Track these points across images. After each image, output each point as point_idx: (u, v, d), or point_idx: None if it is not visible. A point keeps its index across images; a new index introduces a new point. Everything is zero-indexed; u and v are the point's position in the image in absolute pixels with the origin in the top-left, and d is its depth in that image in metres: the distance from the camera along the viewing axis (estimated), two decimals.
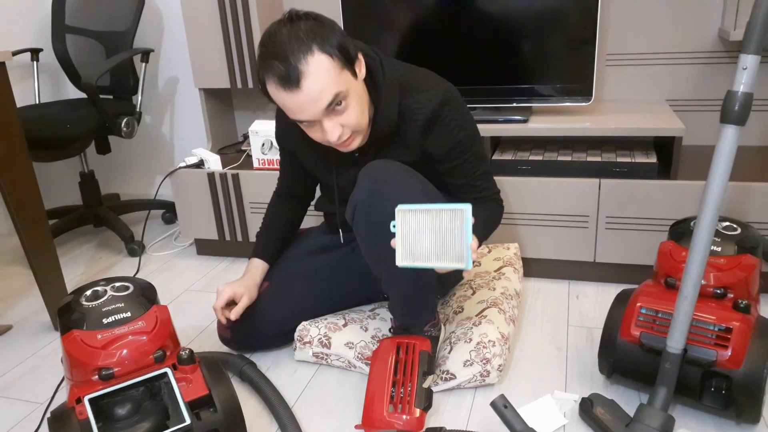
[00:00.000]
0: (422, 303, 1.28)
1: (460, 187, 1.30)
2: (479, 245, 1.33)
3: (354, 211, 1.16)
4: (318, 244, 1.49)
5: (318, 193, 1.54)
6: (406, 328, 1.31)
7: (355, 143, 1.18)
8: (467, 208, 0.98)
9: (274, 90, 1.07)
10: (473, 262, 1.01)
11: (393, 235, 1.04)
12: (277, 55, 1.04)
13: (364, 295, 1.51)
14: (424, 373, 1.21)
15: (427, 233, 1.01)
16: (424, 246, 1.01)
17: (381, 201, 1.11)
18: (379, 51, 1.24)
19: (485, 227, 1.28)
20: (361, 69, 1.14)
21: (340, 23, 1.87)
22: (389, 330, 1.36)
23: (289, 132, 1.36)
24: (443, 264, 1.01)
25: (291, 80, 1.03)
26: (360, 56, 1.14)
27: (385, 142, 1.25)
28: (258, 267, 1.44)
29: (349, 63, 1.09)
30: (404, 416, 1.13)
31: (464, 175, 1.28)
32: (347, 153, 1.28)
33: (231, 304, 1.38)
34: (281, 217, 1.51)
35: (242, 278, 1.41)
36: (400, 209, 1.02)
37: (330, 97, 1.06)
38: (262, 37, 1.07)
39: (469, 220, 0.98)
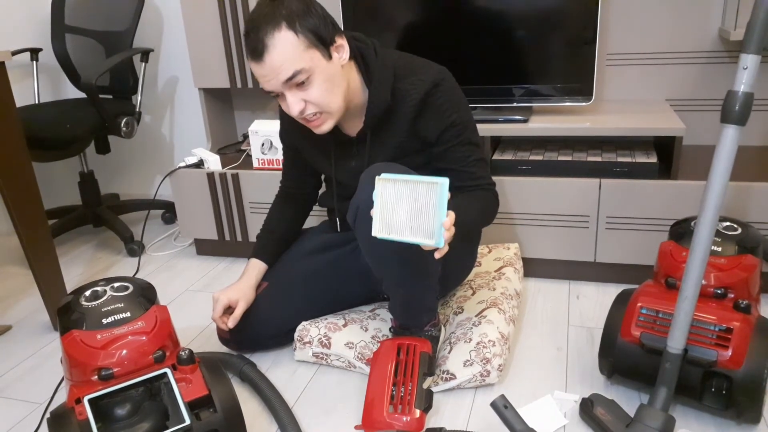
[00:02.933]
0: (423, 304, 1.28)
1: (454, 174, 1.27)
2: (471, 232, 1.35)
3: (356, 213, 1.16)
4: (318, 244, 1.49)
5: (323, 188, 1.54)
6: (407, 328, 1.31)
7: (326, 125, 1.20)
8: (444, 182, 0.96)
9: (249, 62, 1.14)
10: (446, 241, 0.97)
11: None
12: (251, 28, 1.11)
13: (364, 295, 1.50)
14: (424, 374, 1.21)
15: (403, 205, 0.99)
16: (400, 218, 0.99)
17: None
18: (375, 41, 1.27)
19: (479, 216, 1.27)
20: (342, 53, 1.18)
21: (340, 22, 1.87)
22: (389, 330, 1.36)
23: (292, 127, 1.37)
24: (416, 239, 0.98)
25: (256, 52, 1.11)
26: (341, 41, 1.17)
27: (381, 127, 1.26)
28: (255, 268, 1.44)
29: (321, 44, 1.13)
30: (404, 417, 1.13)
31: (458, 160, 1.27)
32: (346, 145, 1.30)
33: (229, 309, 1.38)
34: (282, 218, 1.51)
35: (238, 282, 1.41)
36: (380, 178, 1.01)
37: (289, 72, 1.11)
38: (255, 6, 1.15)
39: (445, 195, 0.96)
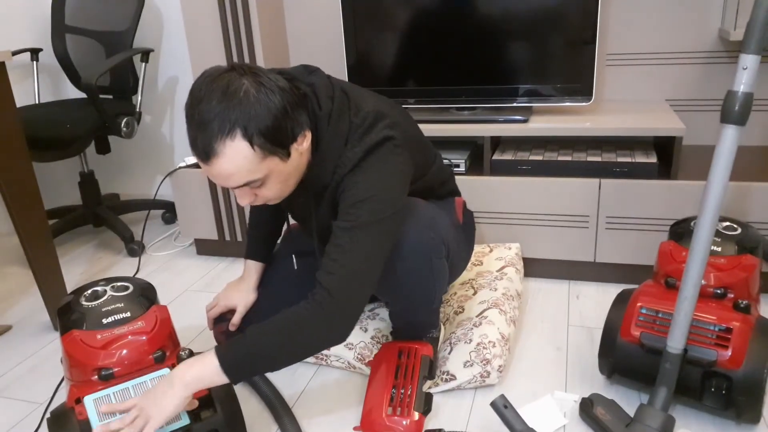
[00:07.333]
0: (428, 323, 1.29)
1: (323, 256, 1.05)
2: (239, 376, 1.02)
3: None
4: (311, 248, 1.48)
5: None
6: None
7: (270, 203, 1.10)
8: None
9: (192, 152, 0.99)
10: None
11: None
12: (198, 125, 0.94)
13: None
14: (424, 377, 1.21)
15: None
16: None
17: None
18: (337, 96, 1.10)
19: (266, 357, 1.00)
20: (303, 143, 1.03)
21: (340, 23, 1.87)
22: (390, 332, 1.36)
23: None
24: None
25: (201, 155, 0.96)
26: (303, 134, 1.02)
27: (323, 191, 1.14)
28: (253, 269, 1.43)
29: (279, 146, 0.98)
30: (404, 420, 1.13)
31: (332, 239, 1.03)
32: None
33: (230, 311, 1.39)
34: (267, 208, 1.45)
35: (240, 283, 1.41)
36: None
37: (240, 182, 0.99)
38: (192, 94, 0.97)
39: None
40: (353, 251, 1.01)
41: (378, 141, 1.07)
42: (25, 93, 2.40)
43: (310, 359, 1.42)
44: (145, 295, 1.13)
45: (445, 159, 1.76)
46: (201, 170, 1.93)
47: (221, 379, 0.98)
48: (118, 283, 1.15)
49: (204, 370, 0.98)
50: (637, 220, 1.61)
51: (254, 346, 0.99)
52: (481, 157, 1.83)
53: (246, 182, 0.99)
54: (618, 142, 1.84)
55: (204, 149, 0.95)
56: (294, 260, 1.43)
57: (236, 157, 0.95)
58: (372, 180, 1.06)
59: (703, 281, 1.16)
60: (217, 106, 0.93)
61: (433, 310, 1.27)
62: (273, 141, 0.97)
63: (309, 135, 1.05)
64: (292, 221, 1.50)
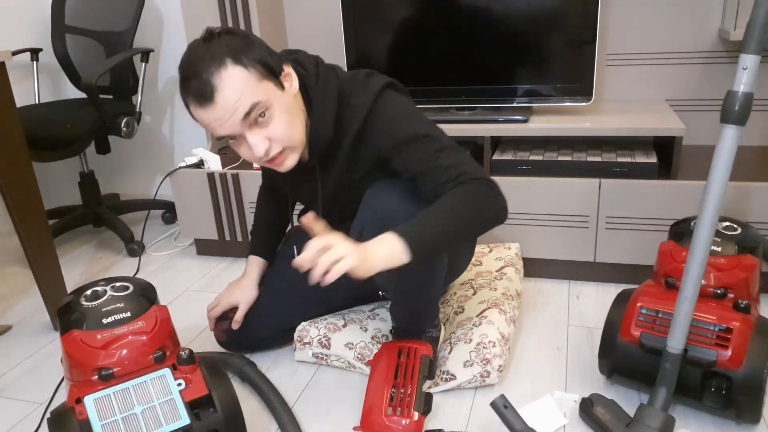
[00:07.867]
0: (427, 316, 1.29)
1: (425, 177, 1.11)
2: (452, 242, 1.08)
3: (360, 233, 1.14)
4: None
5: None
6: (407, 331, 1.31)
7: (289, 161, 1.12)
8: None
9: (195, 110, 1.04)
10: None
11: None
12: (192, 74, 1.01)
13: (363, 295, 1.50)
14: (424, 377, 1.21)
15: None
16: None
17: (389, 227, 1.07)
18: (321, 62, 1.19)
19: (451, 219, 1.04)
20: (292, 82, 1.10)
21: (340, 23, 1.87)
22: (390, 331, 1.36)
23: None
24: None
25: (205, 96, 1.01)
26: (288, 69, 1.10)
27: (329, 156, 1.19)
28: (256, 264, 1.44)
29: (272, 74, 1.05)
30: (404, 420, 1.13)
31: (418, 162, 1.11)
32: (300, 169, 1.20)
33: (232, 309, 1.39)
34: (272, 210, 1.49)
35: (241, 280, 1.42)
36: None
37: (247, 106, 1.02)
38: (180, 61, 1.05)
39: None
40: (432, 145, 1.10)
41: (382, 85, 1.15)
42: (25, 93, 2.40)
43: (310, 359, 1.42)
44: (145, 295, 1.13)
45: None
46: (201, 170, 1.93)
47: (404, 258, 0.99)
48: (118, 283, 1.15)
49: (390, 248, 0.99)
50: (637, 220, 1.61)
51: (431, 222, 1.02)
52: (481, 157, 1.83)
53: (251, 105, 1.02)
54: (618, 142, 1.84)
55: (203, 90, 1.00)
56: (296, 255, 1.43)
57: (234, 81, 1.01)
58: (392, 122, 1.12)
59: (703, 281, 1.16)
60: (201, 50, 1.02)
61: (433, 298, 1.25)
62: (263, 66, 1.04)
63: (294, 74, 1.10)
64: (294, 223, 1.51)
